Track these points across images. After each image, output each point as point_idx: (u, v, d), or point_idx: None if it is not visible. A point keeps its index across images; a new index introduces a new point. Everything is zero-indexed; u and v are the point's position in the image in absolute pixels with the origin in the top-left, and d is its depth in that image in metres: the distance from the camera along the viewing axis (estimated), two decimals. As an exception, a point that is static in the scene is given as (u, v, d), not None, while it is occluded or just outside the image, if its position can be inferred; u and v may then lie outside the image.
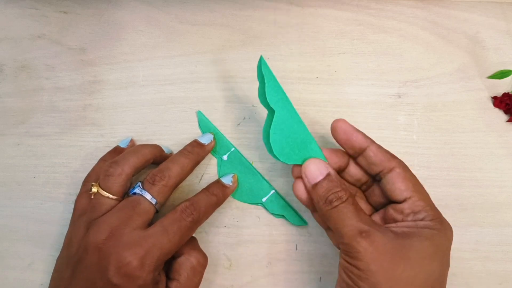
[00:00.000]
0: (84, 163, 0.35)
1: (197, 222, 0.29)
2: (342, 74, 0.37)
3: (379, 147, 0.29)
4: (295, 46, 0.38)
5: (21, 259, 0.33)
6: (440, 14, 0.39)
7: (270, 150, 0.30)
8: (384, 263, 0.24)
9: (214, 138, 0.34)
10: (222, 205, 0.34)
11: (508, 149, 0.35)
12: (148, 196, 0.28)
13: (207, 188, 0.31)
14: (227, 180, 0.32)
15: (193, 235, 0.31)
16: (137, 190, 0.28)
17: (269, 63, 0.37)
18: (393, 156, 0.28)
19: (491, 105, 0.37)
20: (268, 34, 0.39)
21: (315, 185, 0.27)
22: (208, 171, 0.35)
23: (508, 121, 0.36)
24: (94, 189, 0.29)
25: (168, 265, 0.29)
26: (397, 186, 0.27)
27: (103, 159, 0.33)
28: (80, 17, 0.39)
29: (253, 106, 0.36)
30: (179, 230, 0.27)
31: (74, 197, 0.33)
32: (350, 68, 0.38)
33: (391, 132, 0.36)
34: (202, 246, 0.30)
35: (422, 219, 0.26)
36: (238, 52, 0.38)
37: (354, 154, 0.30)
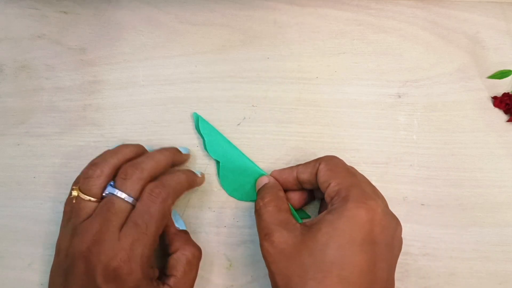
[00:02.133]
0: (84, 163, 0.34)
1: (167, 199, 0.28)
2: (342, 74, 0.37)
3: (304, 164, 0.30)
4: (295, 46, 0.38)
5: (21, 259, 0.33)
6: (440, 14, 0.39)
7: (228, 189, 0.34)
8: (282, 262, 0.25)
9: (189, 153, 0.34)
10: (222, 205, 0.34)
11: (508, 149, 0.35)
12: (121, 194, 0.27)
13: (176, 168, 0.32)
14: (197, 172, 0.32)
15: (187, 230, 0.31)
16: (109, 190, 0.27)
17: (269, 63, 0.38)
18: (317, 159, 0.30)
19: (491, 105, 0.37)
20: (268, 34, 0.39)
21: (257, 192, 0.31)
22: (208, 171, 0.35)
23: (508, 121, 0.36)
24: (75, 193, 0.28)
25: (163, 262, 0.29)
26: (320, 180, 0.28)
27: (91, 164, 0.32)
28: (80, 17, 0.39)
29: (253, 106, 0.36)
30: (151, 218, 0.26)
31: (74, 197, 0.34)
32: (350, 68, 0.38)
33: (391, 132, 0.36)
34: (202, 246, 0.30)
35: (332, 205, 0.26)
36: (238, 52, 0.38)
37: (302, 185, 0.31)
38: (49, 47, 0.38)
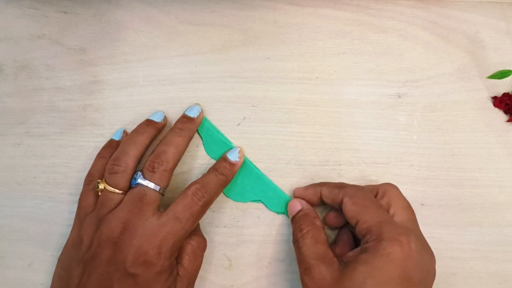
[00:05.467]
0: (84, 163, 0.35)
1: (208, 204, 0.30)
2: (342, 74, 0.37)
3: (329, 187, 0.31)
4: (295, 46, 0.38)
5: (21, 259, 0.33)
6: (440, 14, 0.39)
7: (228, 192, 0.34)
8: None
9: (202, 110, 0.34)
10: (222, 205, 0.34)
11: (508, 149, 0.35)
12: (151, 185, 0.29)
13: (215, 168, 0.32)
14: (233, 157, 0.32)
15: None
16: (140, 181, 0.29)
17: (269, 63, 0.38)
18: (342, 187, 0.30)
19: (491, 105, 0.37)
20: (268, 34, 0.39)
21: (292, 219, 0.31)
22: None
23: (508, 121, 0.36)
24: (101, 186, 0.29)
25: None
26: (347, 215, 0.28)
27: (100, 156, 0.33)
28: (80, 17, 0.39)
29: (253, 106, 0.36)
30: (191, 216, 0.28)
31: (75, 197, 0.33)
32: (350, 68, 0.38)
33: (391, 132, 0.36)
34: (202, 246, 0.30)
35: (366, 242, 0.27)
36: (238, 52, 0.38)
37: (319, 203, 0.32)
38: (49, 47, 0.38)
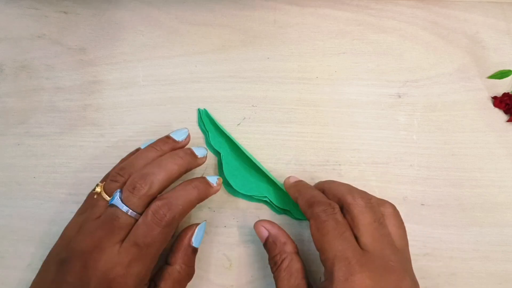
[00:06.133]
0: (84, 163, 0.35)
1: (171, 223, 0.27)
2: (342, 74, 0.37)
3: (303, 199, 0.29)
4: (295, 46, 0.38)
5: (21, 259, 0.33)
6: (440, 14, 0.39)
7: (229, 188, 0.34)
8: None
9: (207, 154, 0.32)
10: (222, 205, 0.34)
11: (508, 149, 0.35)
12: (126, 209, 0.26)
13: (188, 181, 0.28)
14: (212, 180, 0.29)
15: (197, 250, 0.30)
16: (115, 202, 0.26)
17: (269, 63, 0.38)
18: (311, 205, 0.27)
19: (491, 105, 0.37)
20: (268, 34, 0.39)
21: (264, 245, 0.29)
22: (208, 171, 0.34)
23: (508, 121, 0.36)
24: (98, 189, 0.28)
25: (158, 270, 0.28)
26: (312, 239, 0.27)
27: (154, 147, 0.31)
28: (80, 17, 0.39)
29: (253, 106, 0.36)
30: (153, 241, 0.26)
31: (74, 197, 0.34)
32: (350, 68, 0.38)
33: (391, 132, 0.36)
34: (202, 245, 0.30)
35: (325, 279, 0.25)
36: (238, 52, 0.38)
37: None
38: (49, 47, 0.38)
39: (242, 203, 0.34)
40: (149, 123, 0.36)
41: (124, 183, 0.28)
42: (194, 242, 0.29)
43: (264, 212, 0.34)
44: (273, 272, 0.28)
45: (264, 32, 0.39)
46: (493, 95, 0.37)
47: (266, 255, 0.33)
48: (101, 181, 0.30)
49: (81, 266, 0.25)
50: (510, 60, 0.38)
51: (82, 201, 0.32)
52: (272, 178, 0.33)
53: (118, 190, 0.27)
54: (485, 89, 0.37)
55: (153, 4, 0.39)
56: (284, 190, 0.33)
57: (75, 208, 0.32)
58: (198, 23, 0.39)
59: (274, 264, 0.28)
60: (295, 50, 0.38)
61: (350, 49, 0.38)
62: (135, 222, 0.26)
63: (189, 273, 0.29)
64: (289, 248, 0.28)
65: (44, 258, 0.31)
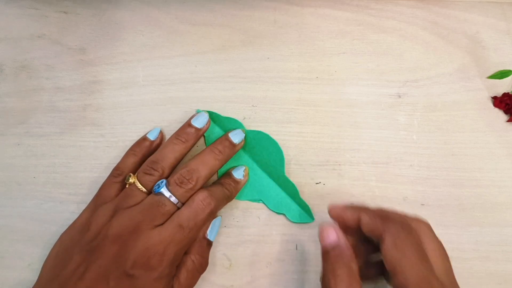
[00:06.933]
0: (84, 163, 0.35)
1: (213, 213, 0.29)
2: (342, 74, 0.37)
3: (371, 215, 0.27)
4: (295, 46, 0.38)
5: (21, 259, 0.33)
6: (440, 14, 0.39)
7: None
8: None
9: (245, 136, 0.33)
10: (222, 205, 0.34)
11: (508, 149, 0.35)
12: (173, 199, 0.28)
13: (221, 182, 0.31)
14: (238, 175, 0.32)
15: (212, 243, 0.31)
16: (163, 191, 0.29)
17: (269, 63, 0.38)
18: (385, 219, 0.26)
19: (491, 105, 0.37)
20: (268, 34, 0.39)
21: (324, 252, 0.26)
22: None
23: (508, 121, 0.36)
24: (132, 180, 0.30)
25: None
26: (384, 258, 0.24)
27: (133, 153, 0.33)
28: (80, 17, 0.39)
29: (253, 106, 0.36)
30: (195, 225, 0.28)
31: (75, 197, 0.33)
32: (350, 68, 0.38)
33: (391, 132, 0.36)
34: (202, 246, 0.30)
35: None
36: (238, 52, 0.38)
37: (355, 229, 0.28)
38: (49, 47, 0.38)
39: (242, 203, 0.34)
40: (149, 123, 0.36)
41: (160, 177, 0.30)
42: (209, 235, 0.31)
43: (264, 212, 0.34)
44: (326, 284, 0.25)
45: (264, 32, 0.39)
46: (493, 95, 0.37)
47: (266, 255, 0.33)
48: (112, 176, 0.31)
49: (118, 249, 0.26)
50: (510, 60, 0.38)
51: (82, 201, 0.32)
52: (269, 181, 0.34)
53: (164, 180, 0.29)
54: (485, 89, 0.37)
55: (153, 4, 0.39)
56: (283, 190, 0.33)
57: (75, 208, 0.32)
58: (198, 23, 0.39)
59: (333, 277, 0.25)
60: (295, 50, 0.38)
61: (350, 49, 0.38)
62: (175, 210, 0.29)
63: (203, 264, 0.30)
64: (354, 266, 0.25)
65: (44, 258, 0.31)
